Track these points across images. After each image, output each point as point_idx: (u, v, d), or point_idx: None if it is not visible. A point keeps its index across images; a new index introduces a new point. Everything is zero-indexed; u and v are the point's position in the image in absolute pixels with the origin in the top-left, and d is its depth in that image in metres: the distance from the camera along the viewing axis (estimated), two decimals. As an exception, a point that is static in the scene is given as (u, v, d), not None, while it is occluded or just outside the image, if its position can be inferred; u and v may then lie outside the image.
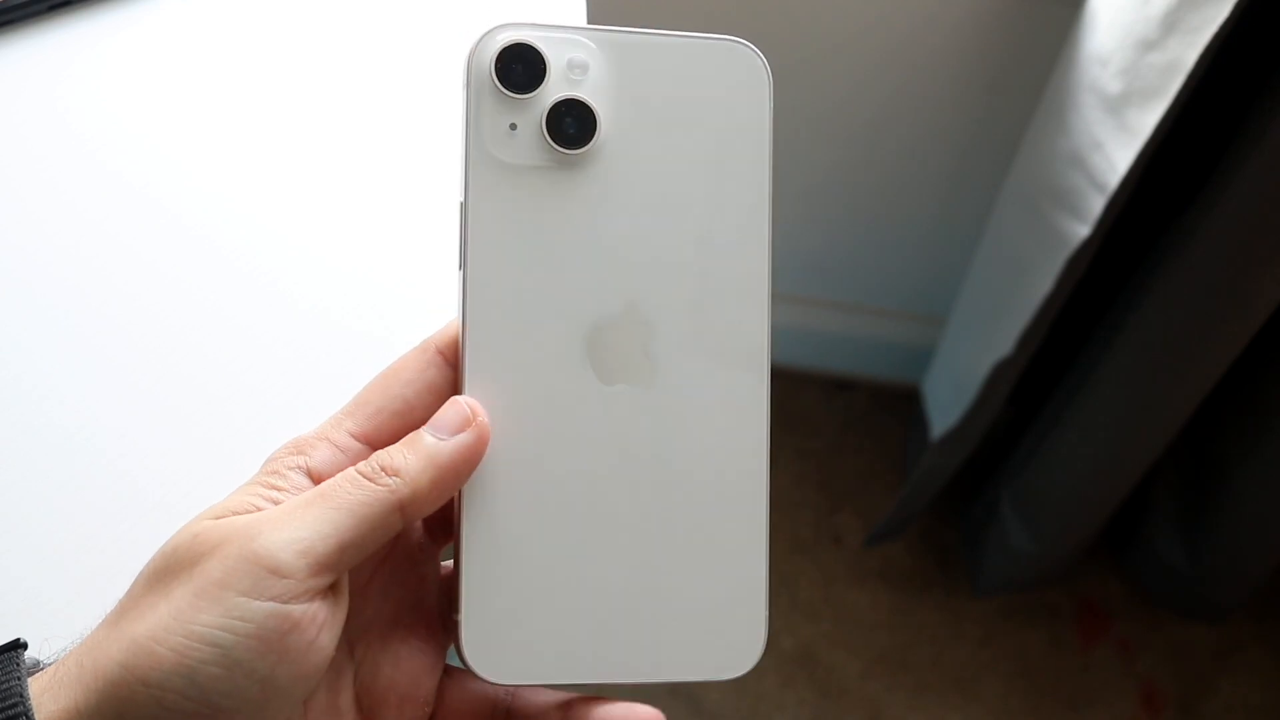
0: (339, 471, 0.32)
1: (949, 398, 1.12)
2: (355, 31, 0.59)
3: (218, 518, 0.30)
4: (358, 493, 0.30)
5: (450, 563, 0.36)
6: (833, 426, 1.37)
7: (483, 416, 0.32)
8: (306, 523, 0.29)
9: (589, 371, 0.33)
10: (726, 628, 0.34)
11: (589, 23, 0.59)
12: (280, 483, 0.31)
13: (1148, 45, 0.80)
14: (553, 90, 0.33)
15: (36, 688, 0.29)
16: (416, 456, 0.31)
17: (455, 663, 0.35)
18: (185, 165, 0.53)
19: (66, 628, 0.31)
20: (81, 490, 0.44)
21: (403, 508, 0.30)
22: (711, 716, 1.18)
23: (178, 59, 0.56)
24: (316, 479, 0.32)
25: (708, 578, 0.34)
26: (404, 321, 0.50)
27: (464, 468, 0.32)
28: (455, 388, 0.33)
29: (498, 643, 0.33)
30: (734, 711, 1.19)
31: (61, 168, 0.52)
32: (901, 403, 1.36)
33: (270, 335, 0.49)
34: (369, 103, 0.57)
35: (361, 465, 0.31)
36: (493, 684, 0.33)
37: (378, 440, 0.33)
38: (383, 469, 0.31)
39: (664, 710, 0.33)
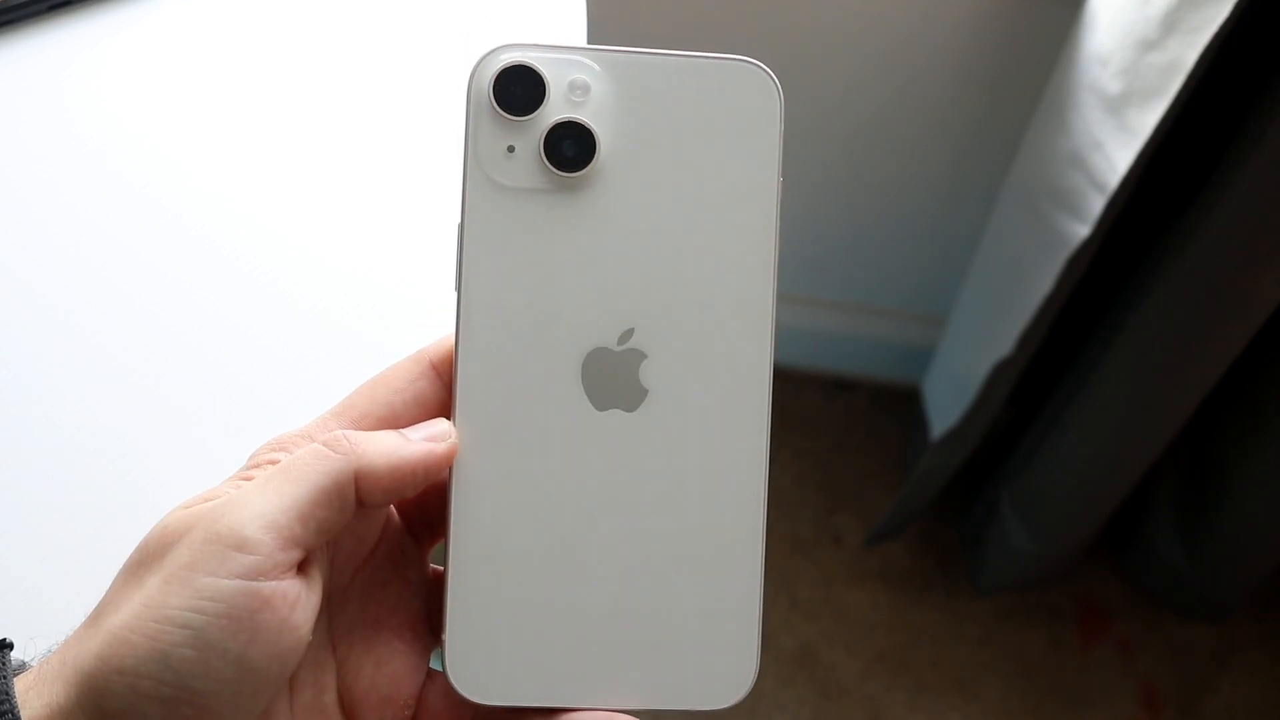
0: None
1: (949, 398, 1.12)
2: (355, 32, 0.59)
3: (188, 508, 0.31)
4: (315, 463, 0.30)
5: (438, 566, 0.36)
6: (833, 426, 1.37)
7: (454, 439, 0.32)
8: (266, 497, 0.30)
9: (582, 396, 0.33)
10: (716, 658, 0.34)
11: (589, 27, 0.59)
12: (257, 474, 0.32)
13: (1148, 45, 0.80)
14: (552, 112, 0.32)
15: (21, 686, 0.29)
16: (381, 440, 0.31)
17: (439, 666, 0.35)
18: (185, 165, 0.53)
19: (66, 627, 0.31)
20: (81, 490, 0.44)
21: (359, 478, 0.31)
22: (711, 716, 1.18)
23: (178, 59, 0.56)
24: None
25: (698, 606, 0.34)
26: (403, 323, 0.50)
27: (421, 472, 0.32)
28: (447, 405, 0.33)
29: (483, 663, 0.32)
30: (734, 712, 1.18)
31: (62, 168, 0.52)
32: (901, 403, 1.36)
33: (270, 335, 0.49)
34: (369, 103, 0.57)
35: (325, 435, 0.31)
36: (476, 705, 0.33)
37: None
38: (345, 437, 0.31)
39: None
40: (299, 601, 0.30)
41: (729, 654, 0.34)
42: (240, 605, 0.28)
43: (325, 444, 0.31)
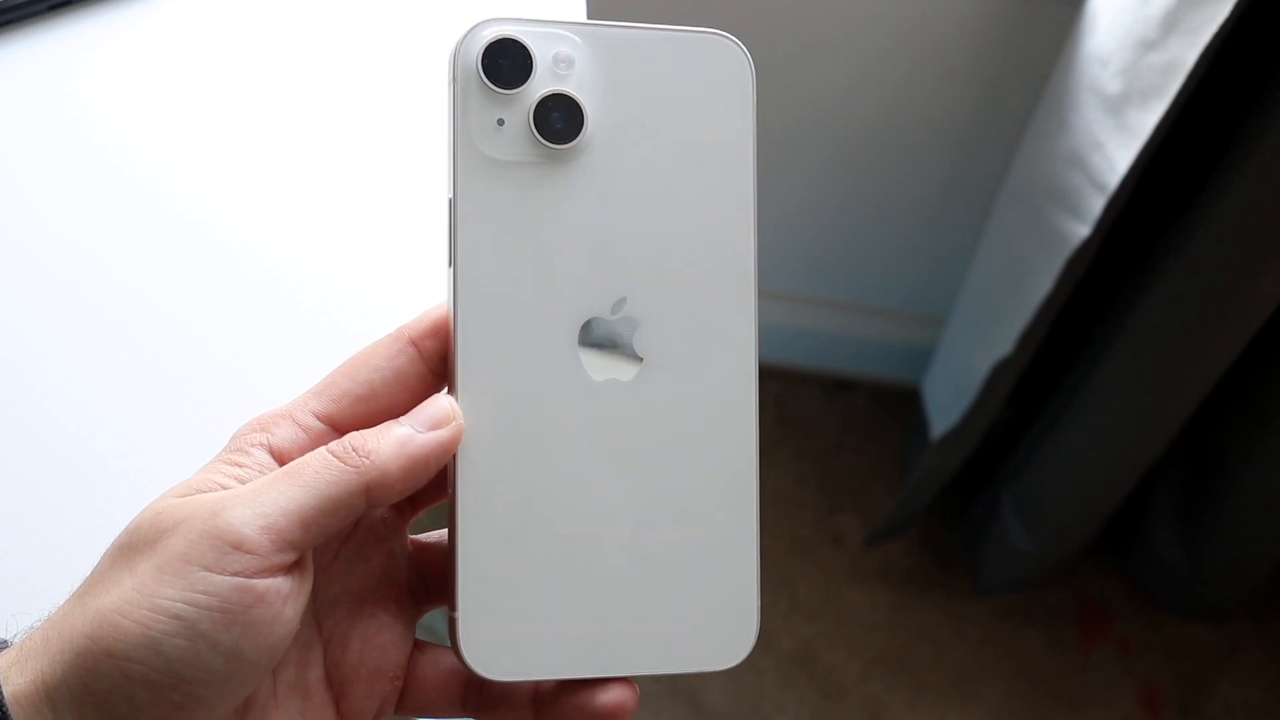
0: (299, 449, 0.32)
1: (949, 398, 1.12)
2: (356, 31, 0.59)
3: (181, 495, 0.31)
4: (325, 472, 0.30)
5: (420, 537, 0.36)
6: (833, 426, 1.37)
7: (460, 419, 0.32)
8: (270, 499, 0.30)
9: (580, 366, 0.33)
10: (718, 619, 0.34)
11: (589, 17, 0.59)
12: (243, 459, 0.32)
13: (1148, 45, 0.80)
14: (539, 85, 0.33)
15: (4, 663, 0.29)
16: (390, 442, 0.31)
17: (424, 636, 0.35)
18: (187, 164, 0.53)
19: (46, 606, 0.31)
20: (82, 490, 0.45)
21: (369, 490, 0.31)
22: (711, 716, 1.18)
23: (179, 58, 0.56)
24: (278, 456, 0.32)
25: (699, 570, 0.34)
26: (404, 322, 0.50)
27: (434, 463, 0.32)
28: (428, 382, 0.33)
29: (495, 640, 0.32)
30: (734, 711, 1.19)
31: (63, 167, 0.52)
32: (901, 403, 1.36)
33: (271, 335, 0.49)
34: (369, 102, 0.57)
35: (334, 444, 0.31)
36: (490, 681, 0.33)
37: (340, 422, 0.33)
38: (354, 449, 0.31)
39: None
40: (291, 596, 0.30)
41: (730, 615, 0.34)
42: (234, 601, 0.29)
43: (336, 455, 0.31)
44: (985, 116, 1.09)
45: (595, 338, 0.33)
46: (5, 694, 0.28)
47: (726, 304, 0.34)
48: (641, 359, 0.34)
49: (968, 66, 1.05)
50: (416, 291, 0.51)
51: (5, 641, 0.31)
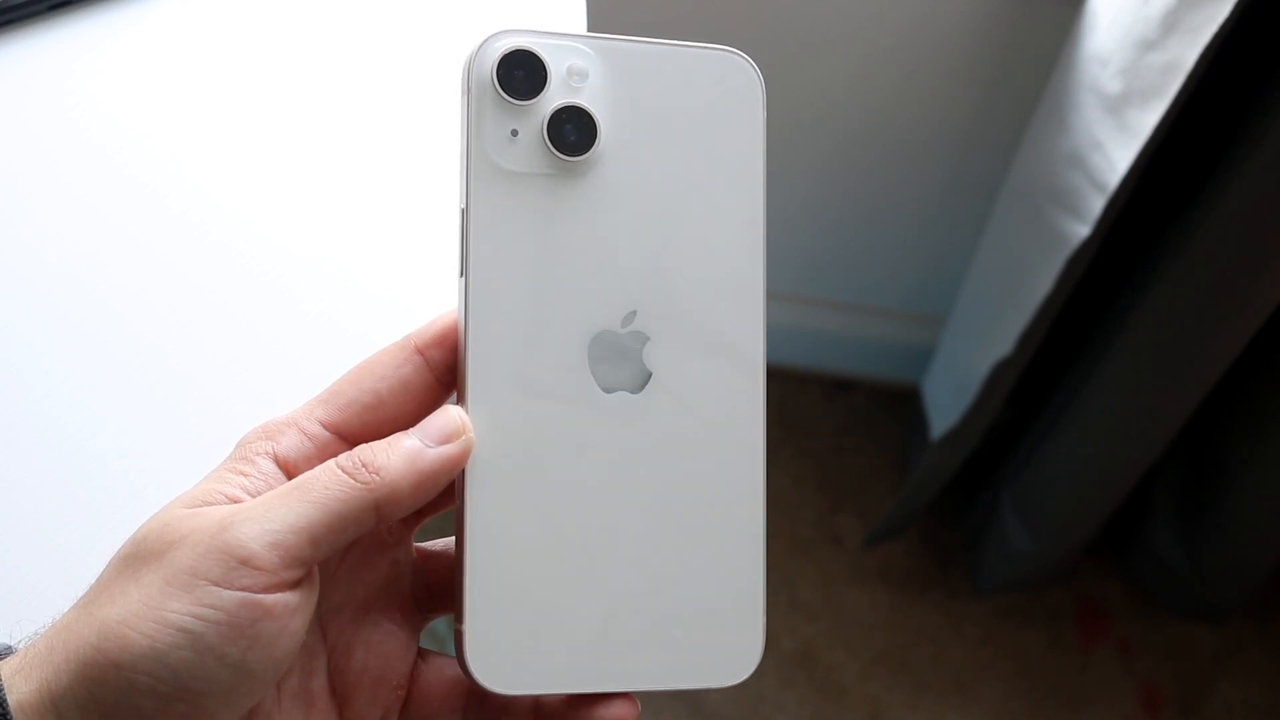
0: (305, 458, 0.32)
1: (949, 398, 1.12)
2: (357, 30, 0.59)
3: (188, 507, 0.31)
4: (335, 488, 0.30)
5: (425, 544, 0.36)
6: (833, 426, 1.37)
7: (470, 433, 0.32)
8: (279, 515, 0.29)
9: (590, 379, 0.33)
10: (724, 635, 0.34)
11: (588, 20, 0.59)
12: (248, 469, 0.31)
13: (1148, 45, 0.80)
14: (553, 97, 0.33)
15: (8, 670, 0.29)
16: (400, 458, 0.31)
17: (426, 640, 0.35)
18: (187, 164, 0.53)
19: (52, 611, 0.31)
20: (82, 490, 0.44)
21: (378, 507, 0.30)
22: (711, 717, 1.18)
23: (179, 58, 0.56)
24: (283, 464, 0.32)
25: (705, 585, 0.34)
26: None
27: (444, 478, 0.31)
28: (434, 391, 0.33)
29: (502, 654, 0.32)
30: (734, 712, 1.19)
31: (64, 166, 0.52)
32: (901, 403, 1.36)
33: (271, 335, 0.49)
34: (368, 102, 0.57)
35: (342, 458, 0.31)
36: (496, 694, 0.33)
37: (346, 431, 0.33)
38: (364, 464, 0.31)
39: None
40: (299, 609, 0.30)
41: (736, 631, 0.34)
42: (241, 615, 0.29)
43: (345, 470, 0.30)
44: (985, 116, 1.09)
45: (605, 351, 0.33)
46: (10, 701, 0.28)
47: (735, 319, 0.34)
48: (650, 373, 0.34)
49: (968, 66, 1.05)
50: (417, 292, 0.51)
51: (9, 647, 0.31)
